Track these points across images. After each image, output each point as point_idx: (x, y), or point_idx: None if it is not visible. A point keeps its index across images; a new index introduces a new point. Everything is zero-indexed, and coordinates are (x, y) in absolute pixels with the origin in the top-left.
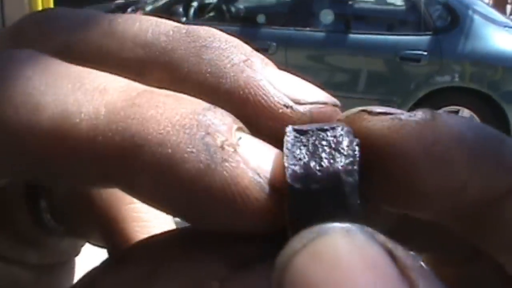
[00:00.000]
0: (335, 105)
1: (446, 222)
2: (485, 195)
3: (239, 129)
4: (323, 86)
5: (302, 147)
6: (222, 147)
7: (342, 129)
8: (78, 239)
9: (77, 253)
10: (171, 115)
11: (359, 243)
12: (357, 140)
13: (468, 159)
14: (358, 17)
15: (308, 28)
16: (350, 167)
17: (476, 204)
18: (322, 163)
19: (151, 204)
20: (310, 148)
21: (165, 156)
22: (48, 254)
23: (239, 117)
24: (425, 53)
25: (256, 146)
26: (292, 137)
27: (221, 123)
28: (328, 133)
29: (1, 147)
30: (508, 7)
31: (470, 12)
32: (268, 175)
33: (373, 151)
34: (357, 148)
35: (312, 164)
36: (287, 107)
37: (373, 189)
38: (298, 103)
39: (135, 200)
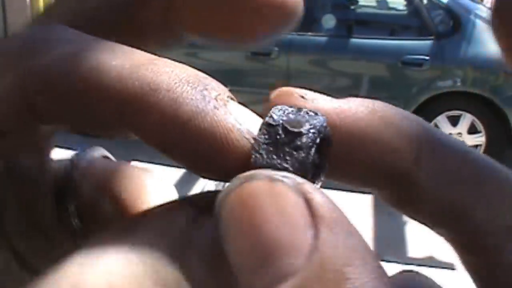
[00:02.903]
0: None
1: (380, 191)
2: (399, 160)
3: (229, 97)
4: (325, 90)
5: (269, 147)
6: (215, 99)
7: (310, 132)
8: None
9: None
10: (180, 73)
11: (277, 190)
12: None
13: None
14: (360, 22)
15: (310, 33)
16: (314, 171)
17: (395, 170)
18: (284, 164)
19: (155, 145)
20: (278, 149)
21: (171, 99)
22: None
23: None
24: (427, 57)
25: (242, 108)
26: (265, 131)
27: (217, 86)
28: (298, 140)
29: (48, 93)
30: None
31: (472, 16)
32: (248, 126)
33: None
34: (316, 154)
35: (276, 162)
36: None
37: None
38: None
39: (149, 198)
